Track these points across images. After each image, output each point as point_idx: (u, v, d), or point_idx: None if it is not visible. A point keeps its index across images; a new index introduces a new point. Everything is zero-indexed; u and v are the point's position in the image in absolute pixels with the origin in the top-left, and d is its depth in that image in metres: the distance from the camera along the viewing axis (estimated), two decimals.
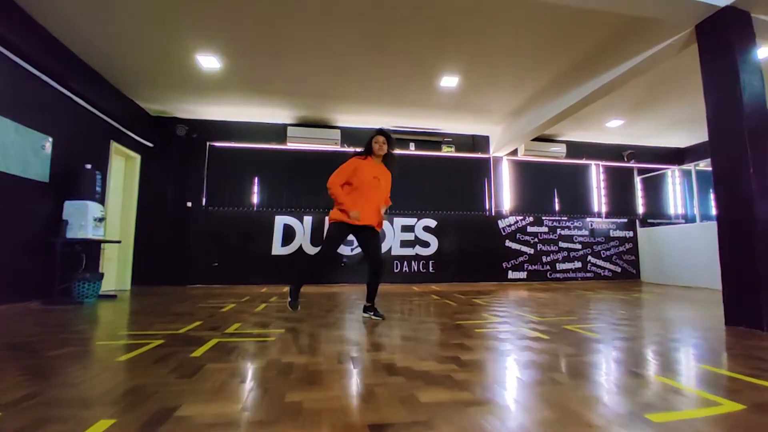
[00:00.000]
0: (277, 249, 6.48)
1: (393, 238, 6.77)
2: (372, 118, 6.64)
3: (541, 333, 2.59)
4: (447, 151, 7.26)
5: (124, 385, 1.51)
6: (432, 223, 6.98)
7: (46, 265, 4.17)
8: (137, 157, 6.12)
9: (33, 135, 4.04)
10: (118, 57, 4.58)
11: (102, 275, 4.62)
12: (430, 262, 6.88)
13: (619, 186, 7.90)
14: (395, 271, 6.74)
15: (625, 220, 7.77)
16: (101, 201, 4.84)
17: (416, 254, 6.85)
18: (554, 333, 2.60)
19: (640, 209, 7.92)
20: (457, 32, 4.09)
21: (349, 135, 6.87)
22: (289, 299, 3.28)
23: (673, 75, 5.07)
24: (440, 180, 7.12)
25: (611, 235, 7.66)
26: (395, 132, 7.01)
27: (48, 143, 4.25)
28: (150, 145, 6.33)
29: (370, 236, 3.24)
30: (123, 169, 6.04)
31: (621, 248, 7.65)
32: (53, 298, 4.16)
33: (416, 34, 4.14)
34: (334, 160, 6.95)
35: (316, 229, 6.61)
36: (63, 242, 4.28)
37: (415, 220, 6.93)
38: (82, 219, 4.43)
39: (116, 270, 5.87)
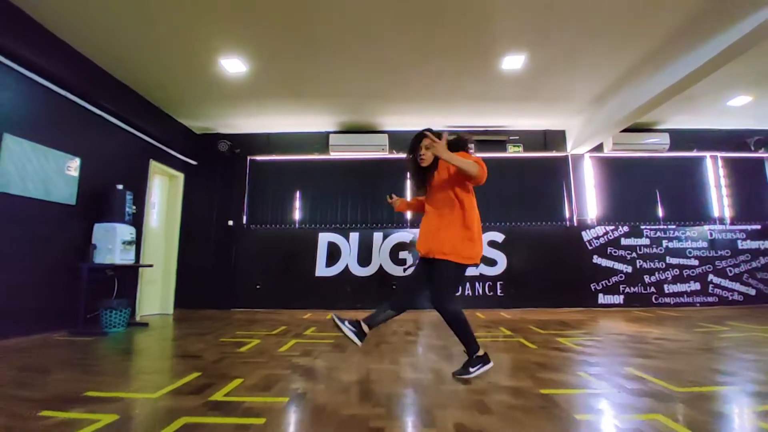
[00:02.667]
0: (321, 270, 5.85)
1: None
2: (422, 119, 5.80)
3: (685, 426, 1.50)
4: (514, 152, 6.16)
5: None
6: (499, 237, 5.89)
7: (73, 292, 3.91)
8: (180, 176, 5.92)
9: (57, 156, 3.82)
10: (143, 68, 4.31)
11: (129, 302, 4.27)
12: (498, 283, 5.78)
13: (747, 183, 6.13)
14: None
15: (759, 227, 5.97)
16: (134, 223, 4.56)
17: (480, 274, 5.79)
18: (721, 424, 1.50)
19: None
20: None
21: (397, 139, 6.09)
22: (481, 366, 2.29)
23: None
24: (507, 186, 6.01)
25: (740, 246, 5.92)
26: (451, 133, 6.08)
27: (75, 164, 4.03)
28: (193, 163, 6.13)
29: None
30: (166, 189, 5.87)
31: (755, 263, 5.87)
32: (79, 327, 3.87)
33: (469, 6, 3.26)
34: (382, 169, 6.30)
35: (364, 247, 5.88)
36: (90, 267, 4.00)
37: None
38: (110, 242, 4.15)
39: (160, 293, 5.64)
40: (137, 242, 4.86)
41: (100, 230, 4.18)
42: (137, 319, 4.86)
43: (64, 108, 3.95)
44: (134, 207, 4.82)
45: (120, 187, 4.46)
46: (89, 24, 3.50)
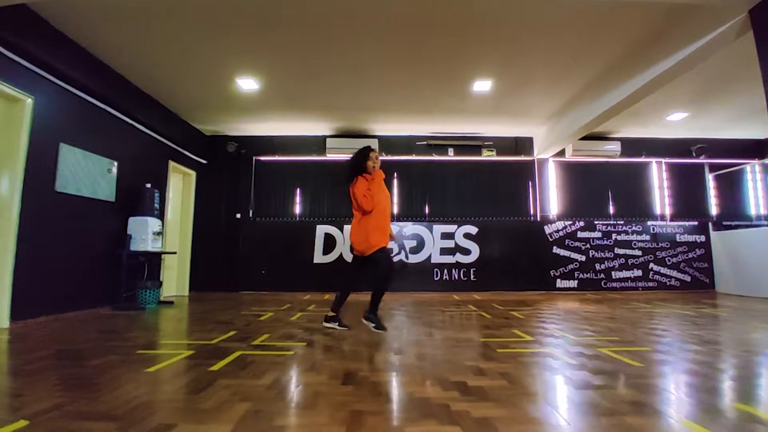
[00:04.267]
0: (319, 257, 6.70)
1: (433, 245, 6.69)
2: (408, 126, 6.64)
3: (570, 358, 2.42)
4: (488, 155, 7.03)
5: (138, 399, 1.67)
6: (473, 230, 6.79)
7: (113, 274, 4.70)
8: (193, 174, 6.67)
9: (101, 161, 4.58)
10: (171, 85, 5.05)
11: (160, 283, 5.08)
12: (472, 270, 6.70)
13: (687, 185, 7.11)
14: (435, 279, 6.66)
15: (695, 223, 6.98)
16: (160, 216, 5.34)
17: (457, 262, 6.70)
18: (588, 357, 2.42)
19: (713, 210, 7.07)
20: (485, 36, 3.96)
21: (386, 143, 6.92)
22: (373, 325, 3.16)
23: (744, 59, 4.47)
24: (481, 185, 6.92)
25: (678, 239, 6.91)
26: (433, 138, 6.95)
27: (114, 167, 4.79)
28: (204, 162, 6.87)
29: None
30: (181, 185, 6.62)
31: (690, 254, 6.88)
32: (119, 304, 4.67)
33: (441, 43, 4.08)
34: None
35: None
36: (128, 254, 4.79)
37: (455, 227, 6.79)
38: (143, 233, 4.94)
39: (176, 277, 6.43)
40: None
41: (134, 223, 4.96)
42: (161, 298, 5.66)
43: (104, 119, 4.68)
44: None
45: (149, 185, 5.23)
46: (127, 48, 4.20)
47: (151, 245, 4.96)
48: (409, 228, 6.77)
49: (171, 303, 5.27)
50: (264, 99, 5.46)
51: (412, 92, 5.31)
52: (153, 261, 5.43)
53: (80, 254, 4.32)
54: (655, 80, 4.25)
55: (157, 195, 5.25)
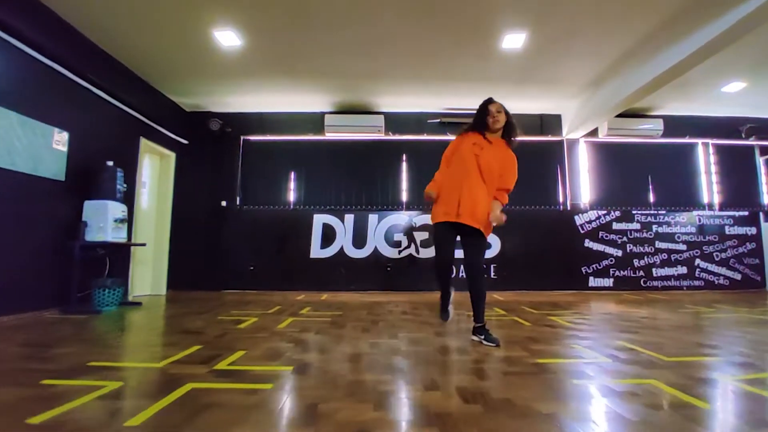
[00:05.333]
0: (316, 251, 5.83)
1: None
2: (418, 100, 5.76)
3: (677, 389, 1.55)
4: None
5: None
6: None
7: (63, 270, 3.83)
8: (172, 155, 5.80)
9: (45, 129, 3.69)
10: (130, 39, 4.16)
11: (122, 282, 4.21)
12: (492, 266, 5.84)
13: (737, 170, 6.24)
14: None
15: (746, 213, 6.12)
16: (125, 200, 4.47)
17: None
18: (699, 385, 1.55)
19: (766, 199, 6.20)
20: None
21: (393, 121, 6.05)
22: (439, 311, 2.72)
23: None
24: None
25: (727, 232, 6.06)
26: (446, 115, 6.07)
27: (63, 138, 3.91)
28: (185, 142, 6.00)
29: (469, 240, 2.52)
30: (158, 168, 5.75)
31: (741, 249, 6.03)
32: (71, 306, 3.81)
33: None
34: (378, 150, 6.24)
35: (358, 229, 5.87)
36: (82, 245, 3.92)
37: None
38: (102, 220, 4.06)
39: (151, 274, 5.57)
40: (129, 222, 4.78)
41: (90, 208, 4.08)
42: (130, 298, 4.80)
43: (51, 79, 3.79)
44: (125, 185, 4.72)
45: (110, 163, 4.34)
46: None
47: (111, 235, 4.09)
48: (421, 218, 5.90)
49: (138, 305, 4.40)
50: (248, 61, 4.57)
51: (426, 50, 4.42)
52: (116, 255, 4.55)
53: (17, 245, 3.44)
54: (711, 44, 3.53)
55: (120, 175, 4.37)
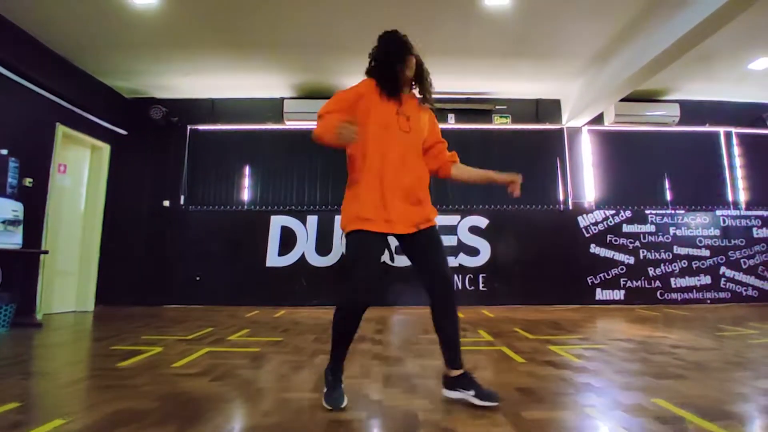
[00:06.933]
0: (273, 259, 4.97)
1: None
2: None
3: None
4: (501, 123, 5.32)
5: None
6: (482, 222, 5.07)
7: None
8: (105, 147, 4.96)
9: None
10: (33, 4, 3.33)
11: (12, 297, 3.34)
12: (480, 276, 4.97)
13: (763, 163, 5.37)
14: None
15: None
16: (26, 198, 3.63)
17: (460, 265, 4.97)
18: None
19: None
20: None
21: None
22: (324, 390, 1.59)
23: None
24: (492, 162, 5.12)
25: (755, 235, 5.18)
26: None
27: None
28: (123, 132, 5.17)
29: (422, 241, 1.67)
30: (87, 162, 4.91)
31: None
32: None
33: None
34: None
35: (324, 232, 5.01)
36: None
37: (458, 218, 5.08)
38: None
39: (76, 286, 4.71)
40: (36, 224, 3.94)
41: None
42: (38, 317, 3.94)
43: None
44: (30, 180, 3.90)
45: (4, 152, 3.53)
46: None
47: None
48: None
49: (38, 326, 3.54)
50: (173, 27, 3.75)
51: (396, 17, 3.58)
52: (15, 264, 3.69)
53: None
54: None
55: (14, 166, 3.54)
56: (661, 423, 1.39)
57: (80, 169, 4.85)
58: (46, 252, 3.84)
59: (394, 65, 1.64)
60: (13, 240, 3.47)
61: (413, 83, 1.77)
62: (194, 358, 2.41)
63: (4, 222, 3.37)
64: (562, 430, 1.38)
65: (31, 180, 3.92)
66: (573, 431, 1.37)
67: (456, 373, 1.61)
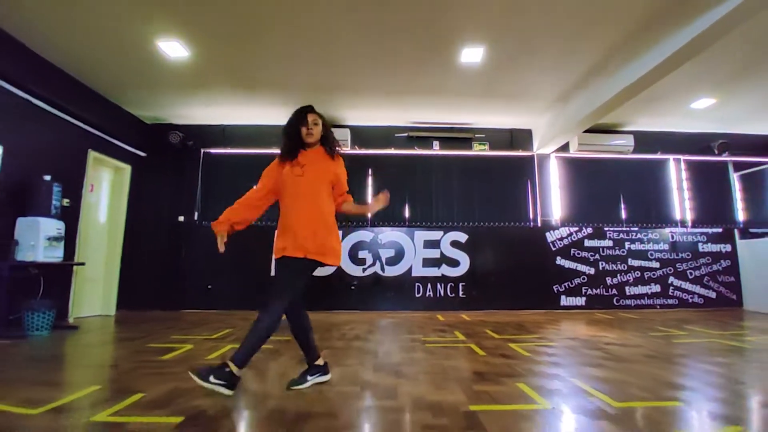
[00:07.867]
0: None
1: (414, 255, 5.63)
2: (385, 114, 5.61)
3: None
4: (479, 150, 6.02)
5: None
6: (462, 237, 5.75)
7: None
8: (126, 168, 5.55)
9: None
10: (73, 50, 3.95)
11: (53, 304, 3.89)
12: (460, 284, 5.63)
13: (710, 186, 6.14)
14: (416, 295, 5.58)
15: (720, 230, 6.01)
16: (65, 217, 4.21)
17: (442, 275, 5.63)
18: None
19: (740, 216, 6.10)
20: None
21: (360, 135, 5.89)
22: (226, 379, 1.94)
23: None
24: (472, 185, 5.86)
25: (700, 249, 5.94)
26: (413, 129, 5.92)
27: None
28: (142, 154, 5.76)
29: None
30: (110, 182, 5.49)
31: (715, 266, 5.90)
32: (1, 330, 3.52)
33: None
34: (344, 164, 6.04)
35: None
36: (12, 265, 3.65)
37: (441, 233, 5.74)
38: (33, 238, 3.80)
39: (101, 293, 5.27)
40: (71, 239, 4.52)
41: (22, 225, 3.83)
42: (70, 321, 4.51)
43: None
44: (67, 200, 4.47)
45: (47, 178, 4.10)
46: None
47: (43, 254, 3.82)
48: (387, 234, 5.71)
49: (75, 328, 4.12)
50: (199, 71, 4.39)
51: (384, 65, 4.29)
52: (55, 274, 4.27)
53: None
54: (677, 55, 3.40)
55: (58, 190, 4.12)
56: (570, 394, 2.06)
57: (104, 188, 5.43)
58: (82, 263, 4.42)
59: (289, 138, 2.23)
60: (56, 254, 4.05)
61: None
62: (222, 352, 3.03)
63: (49, 239, 3.95)
64: (497, 396, 2.04)
65: (68, 201, 4.50)
66: (505, 397, 2.03)
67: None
